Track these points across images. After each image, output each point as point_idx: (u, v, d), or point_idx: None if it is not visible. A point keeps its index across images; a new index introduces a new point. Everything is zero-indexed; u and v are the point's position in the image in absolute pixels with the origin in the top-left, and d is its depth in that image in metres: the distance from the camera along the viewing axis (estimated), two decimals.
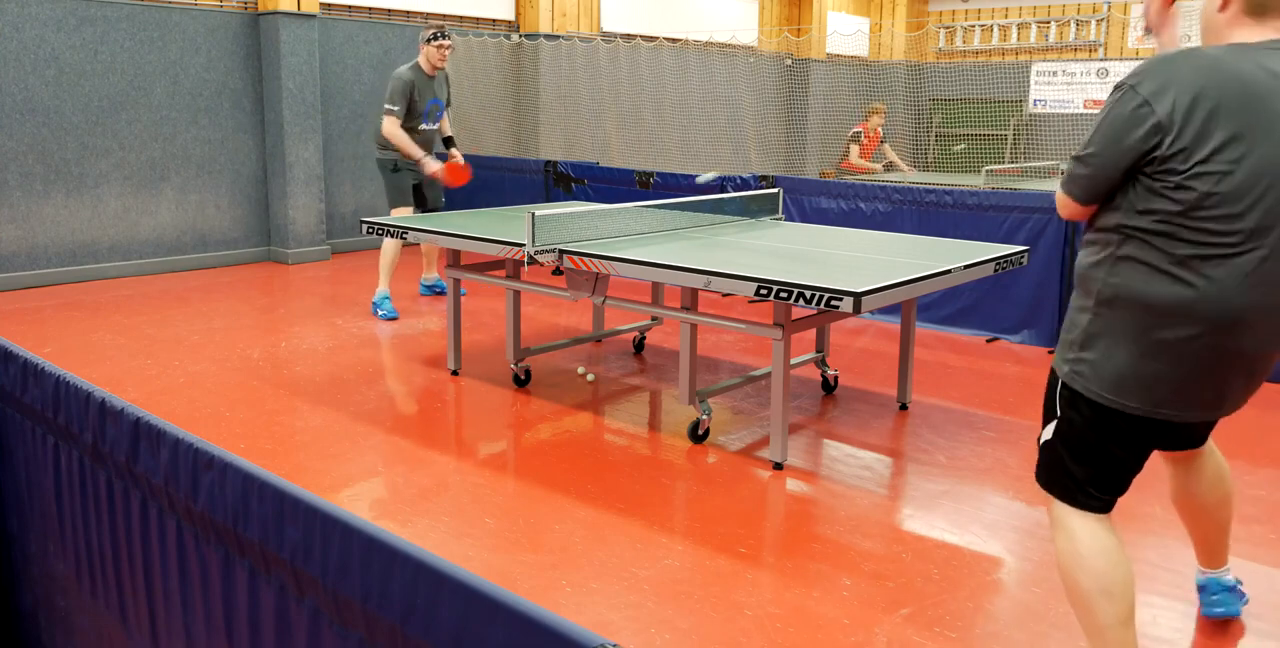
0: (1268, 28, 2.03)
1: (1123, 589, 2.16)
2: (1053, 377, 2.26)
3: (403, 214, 6.39)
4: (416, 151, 6.26)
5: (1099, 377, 2.10)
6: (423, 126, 6.44)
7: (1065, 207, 2.20)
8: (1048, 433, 2.25)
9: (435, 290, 7.10)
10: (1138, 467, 2.24)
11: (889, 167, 10.45)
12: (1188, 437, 2.43)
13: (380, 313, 6.39)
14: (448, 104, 6.67)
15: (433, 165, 6.31)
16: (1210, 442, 2.53)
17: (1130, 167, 1.99)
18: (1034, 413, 4.73)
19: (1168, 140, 1.92)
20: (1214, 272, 1.95)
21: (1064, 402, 2.20)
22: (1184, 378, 2.04)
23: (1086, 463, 2.20)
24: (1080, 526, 2.21)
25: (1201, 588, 2.77)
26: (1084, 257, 2.17)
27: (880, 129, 10.21)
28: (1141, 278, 2.02)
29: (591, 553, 3.16)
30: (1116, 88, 2.01)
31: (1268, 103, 1.91)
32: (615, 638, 2.62)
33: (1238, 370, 2.06)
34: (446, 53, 6.34)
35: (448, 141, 6.84)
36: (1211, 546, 2.66)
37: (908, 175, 10.10)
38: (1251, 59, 1.96)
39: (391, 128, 6.22)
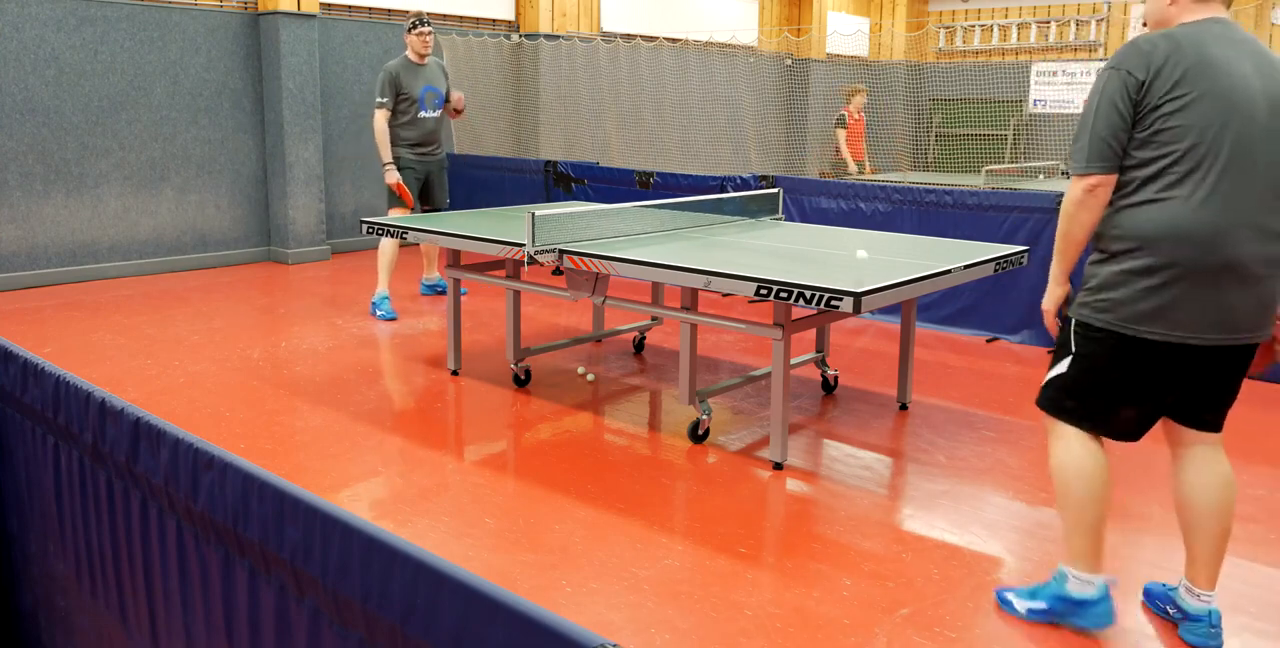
0: (1209, 8, 2.51)
1: (1105, 495, 2.63)
2: (1066, 322, 2.64)
3: (400, 214, 6.39)
4: (387, 155, 6.31)
5: (1122, 310, 2.47)
6: (423, 114, 6.44)
7: (1089, 182, 2.48)
8: (1061, 367, 2.63)
9: (436, 290, 7.10)
10: (1150, 410, 2.59)
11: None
12: (1201, 399, 2.61)
13: (379, 313, 6.39)
14: (449, 96, 6.64)
15: (392, 176, 6.31)
16: (1220, 449, 2.67)
17: (1129, 124, 2.42)
18: (1034, 413, 4.71)
19: (1146, 91, 2.40)
20: (1186, 191, 2.39)
21: (1080, 338, 2.58)
22: (1191, 298, 2.41)
23: (1100, 394, 2.58)
24: (1079, 441, 2.63)
25: (1195, 618, 2.67)
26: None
27: (861, 112, 10.03)
28: (1138, 216, 2.44)
29: (591, 553, 3.16)
30: (1108, 68, 2.46)
31: (1211, 52, 2.40)
32: (615, 638, 2.62)
33: (1234, 285, 2.42)
34: (429, 39, 6.41)
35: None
36: (1204, 557, 2.66)
37: (907, 175, 10.04)
38: (1197, 27, 2.46)
39: (379, 123, 6.30)
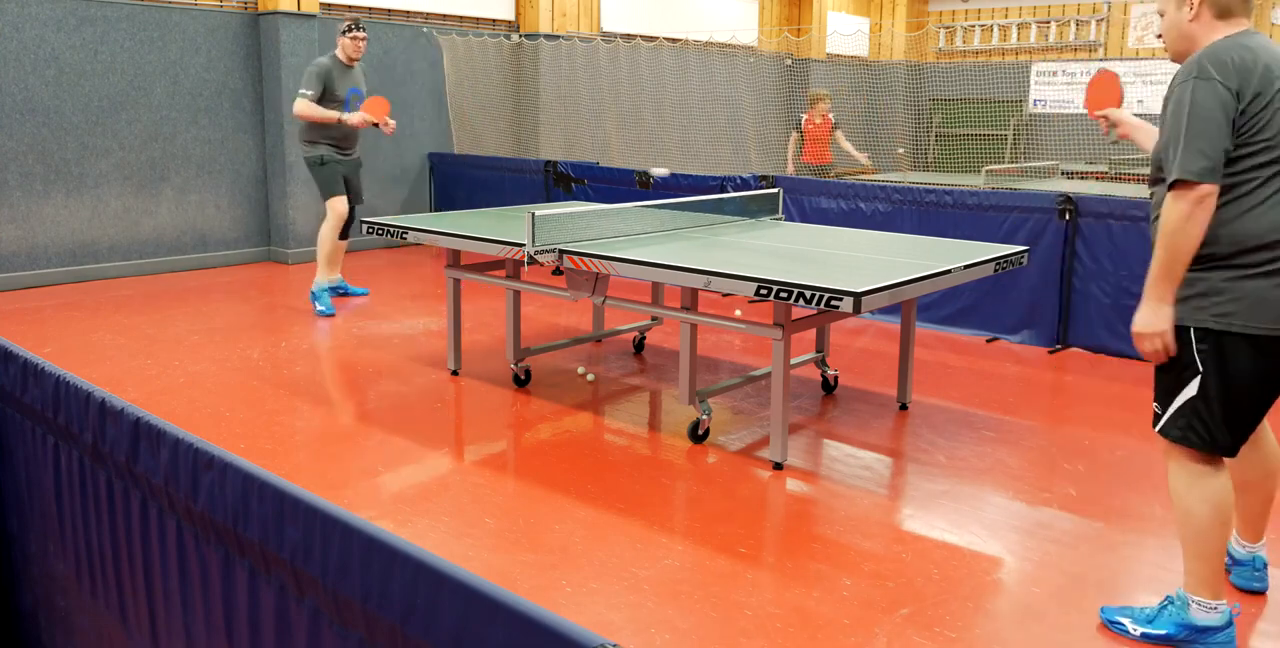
0: (1233, 25, 2.55)
1: (1231, 518, 2.63)
2: (1183, 340, 2.55)
3: (339, 203, 6.53)
4: (331, 114, 6.32)
5: (1251, 311, 2.46)
6: (346, 114, 6.49)
7: (1201, 192, 2.44)
8: (1190, 391, 2.56)
9: (338, 292, 7.04)
10: (1269, 405, 2.61)
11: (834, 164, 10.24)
12: None
13: (319, 308, 6.44)
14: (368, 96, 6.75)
15: (353, 117, 6.35)
16: (1272, 436, 2.84)
17: (1231, 133, 2.43)
18: (1034, 413, 4.73)
19: (1243, 100, 2.43)
20: None
21: (1205, 353, 2.52)
22: None
23: (1236, 405, 2.54)
24: (1206, 466, 2.60)
25: (1241, 562, 2.98)
26: None
27: (830, 116, 9.99)
28: (1252, 220, 2.46)
29: (591, 553, 3.16)
30: (1194, 79, 2.45)
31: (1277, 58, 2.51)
32: (615, 638, 2.62)
33: None
34: (361, 44, 6.50)
35: None
36: (1255, 518, 2.91)
37: (907, 175, 10.07)
38: (1250, 37, 2.52)
39: (303, 106, 6.30)
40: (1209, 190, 2.41)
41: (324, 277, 6.59)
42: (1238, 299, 2.46)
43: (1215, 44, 2.50)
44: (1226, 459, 2.72)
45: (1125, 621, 2.74)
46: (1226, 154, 2.43)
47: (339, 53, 6.49)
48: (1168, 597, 2.71)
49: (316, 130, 6.42)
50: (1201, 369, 2.52)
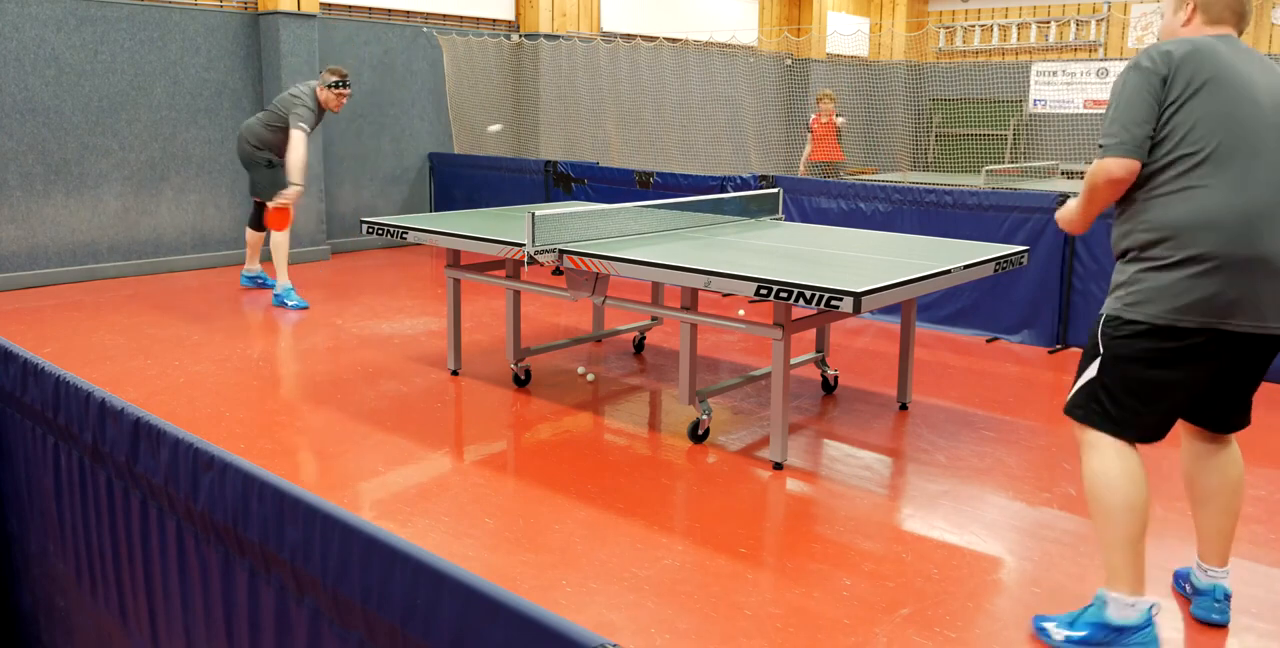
0: (1220, 29, 2.63)
1: (1143, 506, 2.53)
2: (1096, 322, 2.61)
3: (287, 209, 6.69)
4: (301, 178, 6.49)
5: (1153, 301, 2.47)
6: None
7: (1118, 169, 2.50)
8: (1091, 372, 2.60)
9: (256, 282, 7.27)
10: (1180, 404, 2.57)
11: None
12: (1228, 395, 2.65)
13: (290, 304, 6.61)
14: None
15: (287, 197, 6.53)
16: (1234, 442, 2.76)
17: (1155, 116, 2.47)
18: (1034, 413, 4.73)
19: (1168, 86, 2.48)
20: (1210, 181, 2.43)
21: (1109, 338, 2.55)
22: (1226, 287, 2.41)
23: (1132, 394, 2.54)
24: (1113, 449, 2.56)
25: (1202, 592, 2.79)
26: (1117, 227, 2.61)
27: (834, 116, 10.26)
28: (1167, 208, 2.46)
29: (591, 553, 3.16)
30: (1132, 65, 2.54)
31: (1222, 55, 2.52)
32: (615, 638, 2.62)
33: (1265, 276, 2.43)
34: (344, 101, 6.68)
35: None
36: (1217, 536, 2.74)
37: (907, 175, 10.12)
38: (1209, 38, 2.58)
39: (305, 143, 6.44)
40: (1135, 167, 2.51)
41: (285, 278, 6.72)
42: (1145, 288, 2.49)
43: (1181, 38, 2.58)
44: (1184, 474, 2.77)
45: (1049, 626, 2.65)
46: (1149, 135, 2.48)
47: (321, 98, 6.57)
48: (1094, 598, 2.62)
49: (275, 148, 6.59)
50: (1102, 352, 2.57)
